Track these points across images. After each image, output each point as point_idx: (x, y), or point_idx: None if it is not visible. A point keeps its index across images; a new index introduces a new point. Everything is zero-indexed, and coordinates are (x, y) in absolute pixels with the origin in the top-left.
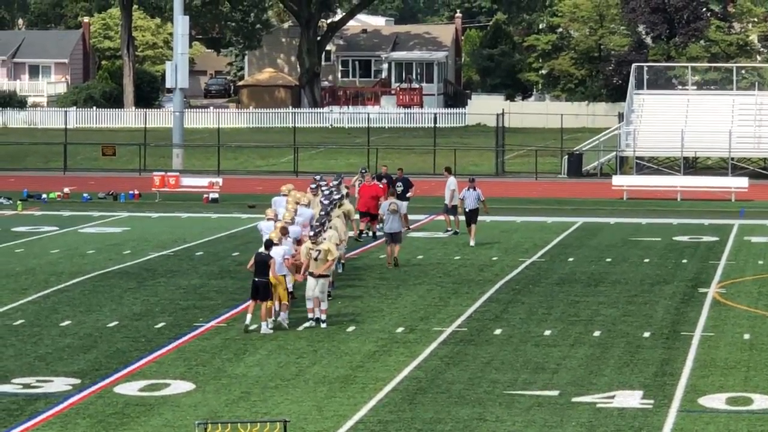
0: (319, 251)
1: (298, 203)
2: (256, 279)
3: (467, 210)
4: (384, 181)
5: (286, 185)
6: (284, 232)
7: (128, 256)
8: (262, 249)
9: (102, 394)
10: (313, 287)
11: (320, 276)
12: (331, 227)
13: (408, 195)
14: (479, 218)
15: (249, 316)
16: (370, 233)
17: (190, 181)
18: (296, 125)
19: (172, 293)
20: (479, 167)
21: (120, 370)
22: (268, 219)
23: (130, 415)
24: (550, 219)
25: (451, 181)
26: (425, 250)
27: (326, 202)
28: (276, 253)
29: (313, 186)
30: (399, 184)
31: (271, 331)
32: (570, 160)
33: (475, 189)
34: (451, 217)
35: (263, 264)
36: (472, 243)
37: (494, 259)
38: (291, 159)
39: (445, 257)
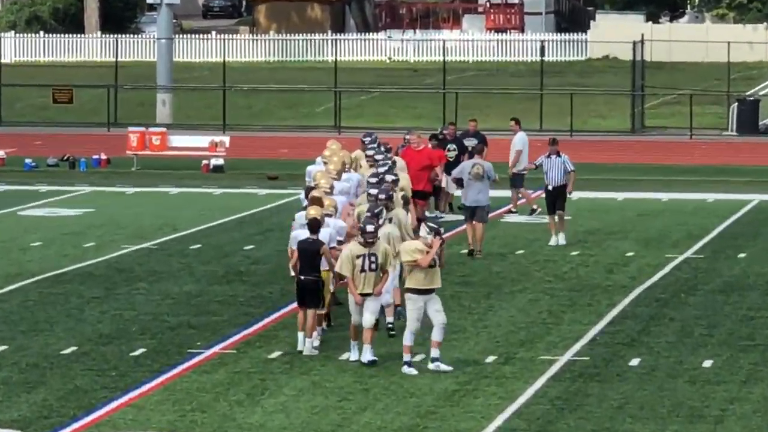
0: (375, 256)
1: (345, 164)
2: (302, 277)
3: (550, 188)
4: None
5: (330, 145)
6: (316, 202)
7: (92, 251)
8: (298, 232)
9: None
10: (359, 312)
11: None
12: (389, 219)
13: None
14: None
15: (301, 335)
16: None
17: (182, 141)
18: (338, 59)
19: (157, 305)
20: (607, 120)
21: (80, 419)
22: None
23: None
24: (712, 196)
25: (519, 139)
26: (528, 241)
27: (374, 184)
28: (323, 236)
29: (376, 152)
30: (452, 146)
31: (316, 351)
32: (741, 110)
33: (559, 154)
34: (520, 193)
35: (311, 254)
36: (558, 241)
37: (629, 255)
38: (330, 108)
39: (557, 252)
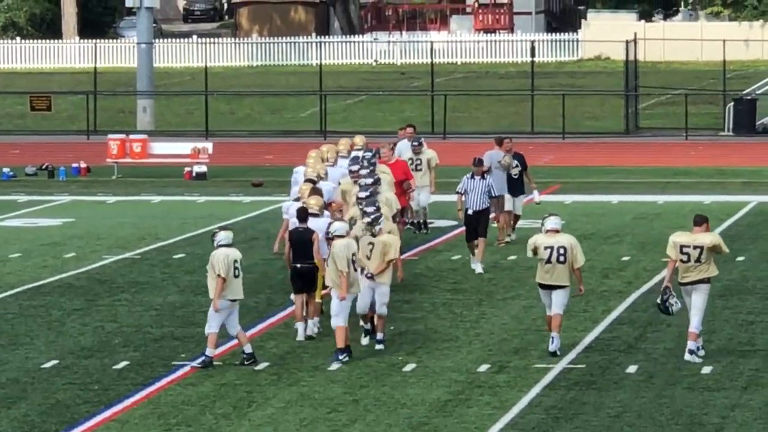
0: (373, 244)
1: (325, 161)
2: (298, 265)
3: (470, 212)
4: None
5: (315, 150)
6: (317, 192)
7: (72, 262)
8: (293, 220)
9: None
10: (368, 296)
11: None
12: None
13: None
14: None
15: (300, 326)
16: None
17: (164, 148)
18: (323, 62)
19: (140, 317)
20: (601, 121)
21: None
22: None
23: None
24: (709, 198)
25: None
26: (521, 246)
27: (366, 190)
28: (317, 226)
29: (355, 167)
30: (514, 162)
31: (317, 331)
32: (737, 110)
33: (484, 177)
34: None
35: (303, 243)
36: (477, 269)
37: (625, 259)
38: (315, 112)
39: None
